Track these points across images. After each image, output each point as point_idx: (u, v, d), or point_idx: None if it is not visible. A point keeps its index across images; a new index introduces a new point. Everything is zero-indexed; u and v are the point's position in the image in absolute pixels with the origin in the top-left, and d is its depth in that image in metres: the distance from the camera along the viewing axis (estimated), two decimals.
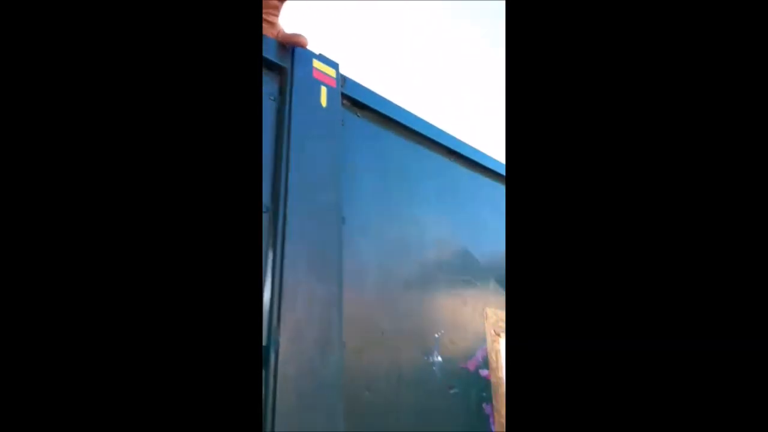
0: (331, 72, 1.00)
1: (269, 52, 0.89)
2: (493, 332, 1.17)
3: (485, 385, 1.09)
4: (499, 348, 1.16)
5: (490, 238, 1.32)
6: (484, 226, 1.32)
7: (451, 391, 0.98)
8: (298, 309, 0.70)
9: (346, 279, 0.82)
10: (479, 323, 1.15)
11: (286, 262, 0.71)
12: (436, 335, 1.00)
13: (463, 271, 1.17)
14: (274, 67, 0.89)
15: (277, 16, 0.94)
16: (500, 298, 1.25)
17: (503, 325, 1.22)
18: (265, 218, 0.75)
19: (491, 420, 1.08)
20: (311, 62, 0.95)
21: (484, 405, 1.07)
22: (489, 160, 1.48)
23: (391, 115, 1.11)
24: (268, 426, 0.60)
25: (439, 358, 0.98)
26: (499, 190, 1.49)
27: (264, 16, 0.92)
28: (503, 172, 1.52)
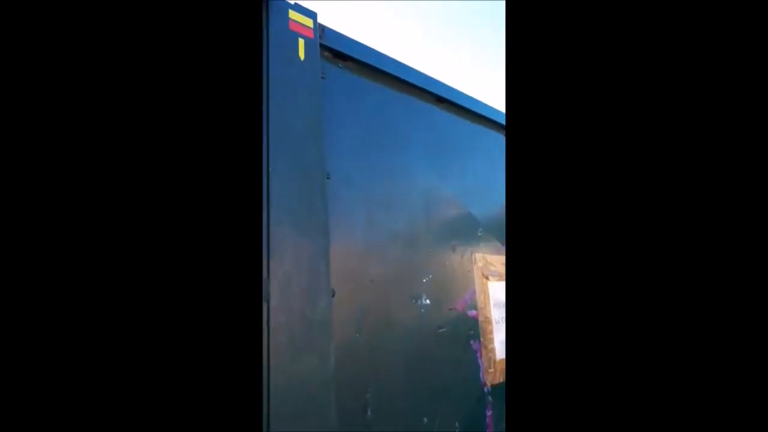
0: (309, 22, 0.96)
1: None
2: (481, 275, 1.23)
3: (473, 324, 1.17)
4: (487, 289, 1.23)
5: (481, 186, 1.34)
6: (475, 174, 1.34)
7: (440, 330, 1.06)
8: (286, 263, 0.74)
9: (334, 232, 0.86)
10: (468, 268, 1.20)
11: (272, 219, 0.74)
12: (424, 280, 1.05)
13: (451, 220, 1.21)
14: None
15: None
16: (488, 244, 1.30)
17: (492, 268, 1.27)
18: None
19: (479, 354, 1.17)
20: (287, 13, 0.92)
21: (471, 342, 1.15)
22: (483, 107, 1.45)
23: (376, 65, 1.09)
24: (264, 367, 0.67)
25: (428, 301, 1.04)
26: (493, 138, 1.48)
27: None
28: (498, 119, 1.50)
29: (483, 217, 1.30)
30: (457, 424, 1.02)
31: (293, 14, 0.93)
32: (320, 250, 0.80)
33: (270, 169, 0.77)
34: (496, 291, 1.24)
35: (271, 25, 0.88)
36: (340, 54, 1.03)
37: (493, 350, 1.18)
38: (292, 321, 0.72)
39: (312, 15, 0.98)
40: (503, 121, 1.49)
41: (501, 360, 1.19)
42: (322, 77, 0.96)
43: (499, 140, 1.49)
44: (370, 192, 1.00)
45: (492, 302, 1.22)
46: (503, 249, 1.33)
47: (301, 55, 0.91)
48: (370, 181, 1.01)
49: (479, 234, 1.27)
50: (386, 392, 0.88)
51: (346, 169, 0.96)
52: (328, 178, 0.89)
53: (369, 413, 0.84)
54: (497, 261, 1.30)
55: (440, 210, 1.18)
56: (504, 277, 1.28)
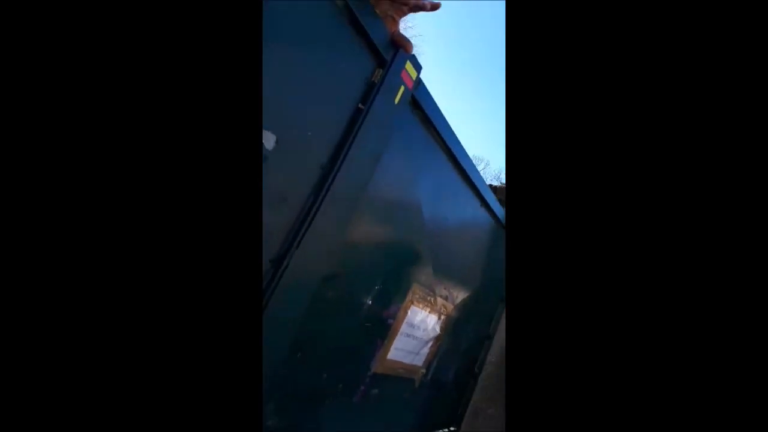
0: (414, 74, 1.20)
1: (380, 40, 1.07)
2: (411, 299, 1.60)
3: (387, 328, 1.54)
4: (408, 310, 1.61)
5: (442, 235, 1.70)
6: (444, 226, 1.69)
7: (365, 324, 1.41)
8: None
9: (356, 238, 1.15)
10: (405, 289, 1.57)
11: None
12: (376, 287, 1.39)
13: (414, 256, 1.55)
14: (378, 55, 1.08)
15: (401, 17, 1.10)
16: (429, 276, 1.68)
17: (424, 296, 1.65)
18: (319, 174, 1.02)
19: (377, 348, 1.55)
20: (405, 63, 1.15)
21: (378, 339, 1.53)
22: (488, 195, 1.82)
23: (436, 128, 1.36)
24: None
25: (370, 302, 1.38)
26: (480, 215, 1.87)
27: (394, 11, 1.07)
28: (498, 212, 1.89)
29: (432, 257, 1.67)
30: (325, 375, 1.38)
31: (408, 65, 1.17)
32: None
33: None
34: (415, 314, 1.63)
35: (391, 69, 1.10)
36: (417, 105, 1.28)
37: (387, 350, 1.57)
38: None
39: (419, 68, 1.22)
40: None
41: (390, 359, 1.59)
42: (397, 120, 1.21)
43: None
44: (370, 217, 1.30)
45: (406, 319, 1.61)
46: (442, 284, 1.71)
47: (396, 100, 1.16)
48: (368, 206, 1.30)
49: (421, 266, 1.64)
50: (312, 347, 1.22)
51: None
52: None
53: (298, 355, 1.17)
54: (432, 291, 1.68)
55: (415, 246, 1.51)
56: (433, 308, 1.68)
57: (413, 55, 1.19)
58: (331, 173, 1.02)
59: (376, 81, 1.10)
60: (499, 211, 1.99)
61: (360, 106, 1.07)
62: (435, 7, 1.17)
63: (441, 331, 1.85)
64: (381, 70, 1.10)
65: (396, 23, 1.11)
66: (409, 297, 1.59)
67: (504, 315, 2.36)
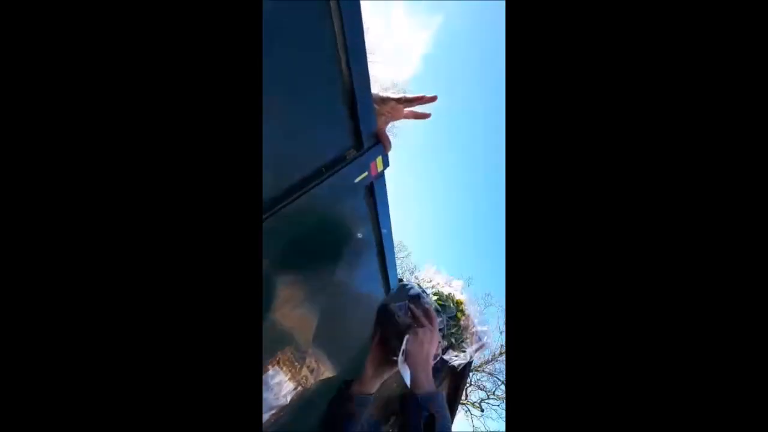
0: (380, 167, 1.33)
1: (367, 129, 1.19)
2: (277, 358, 1.56)
3: None
4: (271, 366, 1.55)
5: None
6: (342, 302, 1.73)
7: None
8: None
9: None
10: (274, 348, 1.53)
11: None
12: None
13: None
14: (359, 140, 1.20)
15: (390, 116, 1.26)
16: (306, 342, 1.66)
17: (292, 361, 1.61)
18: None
19: None
20: (377, 156, 1.28)
21: None
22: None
23: (378, 219, 1.48)
24: None
25: None
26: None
27: (393, 113, 1.23)
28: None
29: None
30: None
31: (379, 159, 1.30)
32: None
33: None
34: (274, 375, 1.57)
35: (365, 157, 1.22)
36: (372, 193, 1.40)
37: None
38: None
39: (387, 164, 1.35)
40: None
41: None
42: (350, 200, 1.30)
43: None
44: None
45: (264, 376, 1.54)
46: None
47: (357, 180, 1.26)
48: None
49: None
50: None
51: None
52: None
53: None
54: (302, 359, 1.65)
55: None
56: (294, 377, 1.63)
57: (386, 155, 1.33)
58: (271, 210, 1.06)
59: (347, 157, 1.20)
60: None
61: (323, 169, 1.16)
62: (425, 116, 1.34)
63: (291, 402, 1.78)
64: (355, 151, 1.21)
65: (387, 123, 1.26)
66: (277, 356, 1.55)
67: None
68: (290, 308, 1.44)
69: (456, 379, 2.46)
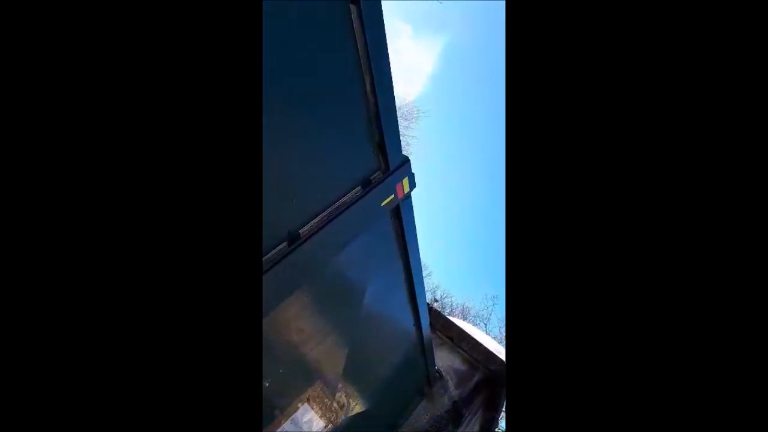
0: (407, 189, 1.28)
1: (393, 149, 1.15)
2: (307, 396, 1.48)
3: (270, 418, 1.39)
4: (301, 404, 1.47)
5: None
6: (372, 335, 1.65)
7: None
8: None
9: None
10: (303, 385, 1.45)
11: None
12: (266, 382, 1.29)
13: None
14: (386, 161, 1.16)
15: None
16: (336, 377, 1.57)
17: (322, 397, 1.53)
18: (284, 239, 1.00)
19: None
20: (404, 178, 1.23)
21: None
22: (425, 318, 1.84)
23: (406, 243, 1.42)
24: None
25: (267, 384, 1.26)
26: (409, 335, 1.86)
27: None
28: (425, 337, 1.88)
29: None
30: None
31: (405, 181, 1.25)
32: None
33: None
34: (304, 413, 1.49)
35: (390, 177, 1.18)
36: (398, 215, 1.35)
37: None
38: None
39: (413, 186, 1.30)
40: None
41: None
42: (376, 220, 1.25)
43: None
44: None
45: (293, 416, 1.46)
46: None
47: (383, 203, 1.21)
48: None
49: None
50: None
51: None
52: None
53: None
54: (332, 395, 1.56)
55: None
56: (325, 413, 1.55)
57: (413, 174, 1.28)
58: (295, 243, 1.01)
59: (373, 180, 1.16)
60: (426, 336, 1.98)
61: (350, 194, 1.11)
62: None
63: None
64: (381, 174, 1.17)
65: None
66: (307, 392, 1.47)
67: None
68: (316, 343, 1.37)
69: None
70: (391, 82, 0.99)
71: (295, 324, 1.21)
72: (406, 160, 1.22)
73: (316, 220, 1.06)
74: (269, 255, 0.97)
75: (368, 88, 0.96)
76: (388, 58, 0.95)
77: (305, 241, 1.03)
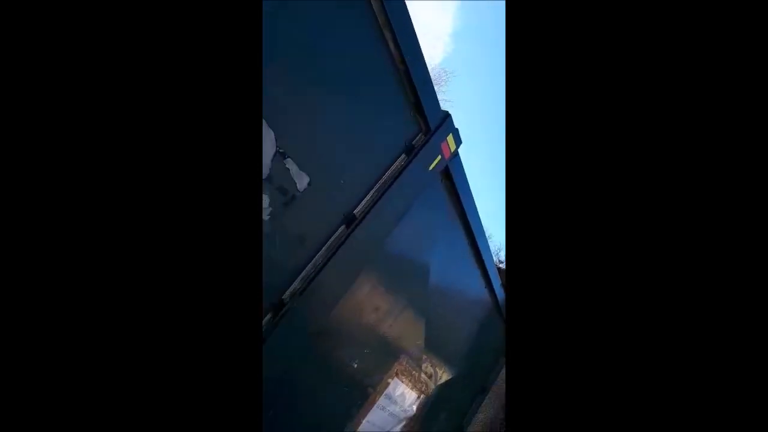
0: (453, 147, 1.21)
1: (430, 107, 1.09)
2: (395, 371, 1.49)
3: (365, 396, 1.42)
4: (392, 379, 1.49)
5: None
6: (445, 301, 1.63)
7: (344, 389, 1.30)
8: None
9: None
10: (390, 361, 1.47)
11: None
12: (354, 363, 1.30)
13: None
14: (425, 121, 1.09)
15: None
16: (419, 349, 1.58)
17: (410, 369, 1.54)
18: (341, 223, 0.99)
19: (349, 419, 1.41)
20: (447, 135, 1.16)
21: (353, 408, 1.40)
22: (495, 278, 1.77)
23: (461, 202, 1.35)
24: None
25: (355, 365, 1.29)
26: (483, 298, 1.82)
27: None
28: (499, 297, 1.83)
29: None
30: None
31: (450, 138, 1.18)
32: None
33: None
34: (396, 387, 1.51)
35: (433, 138, 1.11)
36: (449, 176, 1.28)
37: (358, 423, 1.44)
38: None
39: (459, 142, 1.23)
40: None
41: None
42: (426, 187, 1.20)
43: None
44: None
45: (386, 391, 1.49)
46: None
47: (431, 167, 1.15)
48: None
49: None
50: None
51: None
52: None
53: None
54: (418, 366, 1.57)
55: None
56: (415, 385, 1.56)
57: (457, 129, 1.20)
58: (353, 224, 0.99)
59: (416, 145, 1.10)
60: (501, 296, 1.92)
61: (396, 164, 1.07)
62: None
63: (417, 411, 1.71)
64: (423, 135, 1.11)
65: None
66: (394, 368, 1.49)
67: (480, 406, 2.21)
68: (394, 318, 1.37)
69: None
70: (414, 33, 0.91)
71: (369, 304, 1.21)
72: (447, 116, 1.14)
73: (367, 198, 1.03)
74: (330, 241, 0.96)
75: (391, 45, 0.90)
76: (406, 7, 0.88)
77: (362, 220, 1.01)
